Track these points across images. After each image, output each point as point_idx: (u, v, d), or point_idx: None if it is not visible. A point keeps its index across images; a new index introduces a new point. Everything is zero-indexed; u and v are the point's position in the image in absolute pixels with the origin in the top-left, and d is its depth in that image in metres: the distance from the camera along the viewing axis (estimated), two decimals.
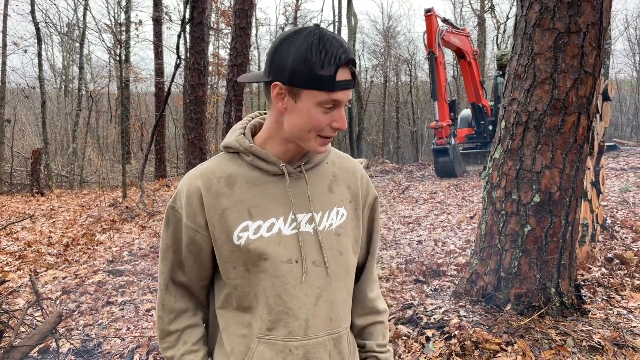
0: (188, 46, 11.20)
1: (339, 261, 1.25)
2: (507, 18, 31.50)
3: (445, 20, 13.17)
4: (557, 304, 3.55)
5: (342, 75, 1.12)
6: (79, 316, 4.71)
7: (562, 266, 3.58)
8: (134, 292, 5.26)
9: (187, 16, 10.59)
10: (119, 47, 16.60)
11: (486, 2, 29.03)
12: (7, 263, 6.62)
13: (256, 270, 1.19)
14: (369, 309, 1.40)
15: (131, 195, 13.16)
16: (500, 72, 5.24)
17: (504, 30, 31.00)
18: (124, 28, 24.88)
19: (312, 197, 1.24)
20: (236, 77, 8.56)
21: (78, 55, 26.43)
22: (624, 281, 4.17)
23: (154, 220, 8.68)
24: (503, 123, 3.72)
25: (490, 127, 15.30)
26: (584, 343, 3.23)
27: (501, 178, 3.68)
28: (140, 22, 20.24)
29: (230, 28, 26.93)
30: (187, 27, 11.20)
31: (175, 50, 11.04)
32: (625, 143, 19.29)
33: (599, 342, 3.21)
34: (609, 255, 4.91)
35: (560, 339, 3.27)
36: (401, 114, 33.80)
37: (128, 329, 4.37)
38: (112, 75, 24.08)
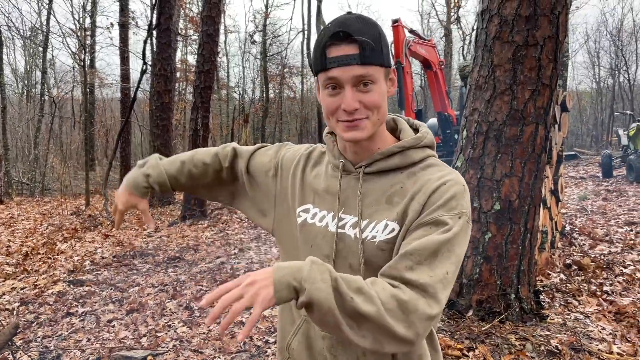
0: (155, 52, 11.08)
1: (375, 275, 1.13)
2: (473, 30, 32.20)
3: (412, 31, 13.36)
4: (517, 310, 3.63)
5: (336, 51, 1.07)
6: (38, 327, 4.58)
7: (521, 272, 3.67)
8: (95, 302, 5.14)
9: (154, 22, 10.48)
10: (83, 52, 16.28)
11: (452, 14, 29.61)
12: None
13: (304, 249, 1.25)
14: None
15: (95, 203, 12.89)
16: (464, 83, 5.40)
17: (470, 42, 31.66)
18: (89, 33, 24.44)
19: (363, 202, 1.17)
20: (203, 83, 8.52)
21: (41, 60, 25.84)
22: (581, 287, 4.29)
23: (118, 229, 8.52)
24: (465, 132, 3.80)
25: (456, 136, 15.58)
26: (542, 347, 3.31)
27: None
28: (112, 25, 19.82)
29: (198, 35, 26.75)
30: (154, 33, 11.09)
31: (141, 56, 10.91)
32: (585, 152, 19.89)
33: (556, 346, 3.30)
34: (567, 261, 5.05)
35: (519, 344, 3.34)
36: None
37: (88, 340, 4.27)
38: (76, 81, 23.62)
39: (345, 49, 1.06)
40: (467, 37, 31.35)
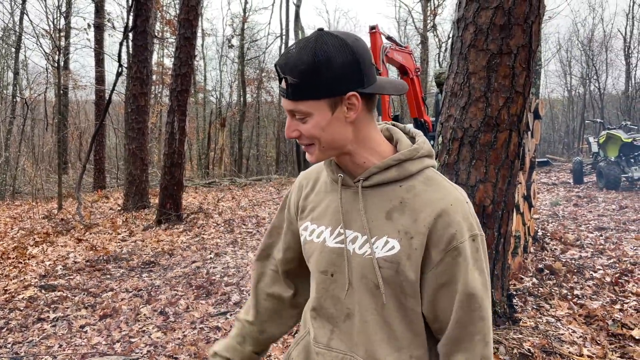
0: (131, 55, 10.97)
1: (375, 295, 1.15)
2: (449, 37, 32.63)
3: (389, 38, 13.48)
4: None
5: (282, 83, 1.12)
6: (8, 333, 4.48)
7: (495, 277, 3.73)
8: (67, 307, 5.06)
9: (131, 24, 10.38)
10: (57, 53, 16.01)
11: (429, 21, 29.98)
12: None
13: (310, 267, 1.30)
14: None
15: (67, 206, 12.66)
16: (440, 90, 5.47)
17: (445, 49, 32.08)
18: (63, 34, 24.04)
19: (360, 217, 1.17)
20: (180, 87, 8.47)
21: (13, 61, 25.28)
22: (552, 290, 4.38)
23: (91, 233, 8.39)
24: (440, 139, 3.85)
25: (432, 142, 15.74)
26: (514, 351, 3.36)
27: None
28: (89, 26, 19.53)
29: (175, 37, 26.54)
30: (130, 35, 10.98)
31: (117, 59, 10.79)
32: (557, 159, 20.30)
33: (529, 349, 3.36)
34: (540, 265, 5.15)
35: (494, 347, 3.39)
36: None
37: (60, 346, 4.19)
38: (49, 82, 23.18)
39: (283, 81, 1.10)
40: (443, 45, 31.77)
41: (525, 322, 3.75)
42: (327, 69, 1.06)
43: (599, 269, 5.05)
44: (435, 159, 3.83)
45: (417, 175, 1.17)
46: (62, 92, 21.52)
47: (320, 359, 1.21)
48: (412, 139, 1.24)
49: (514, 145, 3.67)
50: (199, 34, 30.32)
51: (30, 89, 29.32)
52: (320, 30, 1.11)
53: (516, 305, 4.00)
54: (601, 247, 5.82)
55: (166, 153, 8.68)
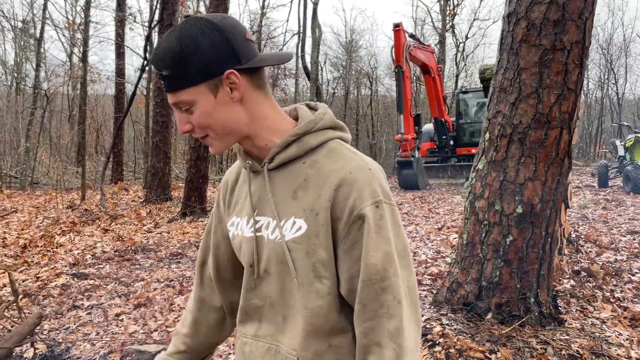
0: (143, 50, 10.98)
1: (291, 279, 1.10)
2: (467, 38, 32.50)
3: (412, 36, 13.42)
4: (536, 314, 3.63)
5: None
6: (43, 320, 4.50)
7: (541, 277, 3.67)
8: (101, 296, 5.07)
9: (157, 18, 10.40)
10: (82, 45, 16.10)
11: (447, 21, 29.80)
12: None
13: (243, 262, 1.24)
14: None
15: (89, 197, 12.73)
16: (483, 86, 5.37)
17: (463, 49, 31.95)
18: (82, 27, 24.20)
19: (270, 201, 1.11)
20: None
21: (33, 53, 25.46)
22: (594, 293, 4.31)
23: (116, 224, 8.42)
24: (487, 135, 3.80)
25: (452, 142, 15.66)
26: (563, 352, 3.31)
27: (484, 189, 3.75)
28: (120, 21, 19.66)
29: None
30: (156, 29, 11.00)
31: (142, 52, 10.82)
32: (575, 163, 20.11)
33: (577, 351, 3.30)
34: (576, 268, 5.08)
35: (541, 348, 3.34)
36: (360, 126, 34.14)
37: (97, 333, 4.20)
38: (72, 74, 23.35)
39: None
40: (461, 45, 31.62)
41: (571, 324, 3.69)
42: (196, 52, 1.02)
43: (637, 272, 4.97)
44: (482, 155, 3.80)
45: (320, 148, 1.11)
46: (85, 84, 21.65)
47: (247, 349, 1.18)
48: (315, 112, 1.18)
49: (564, 143, 3.62)
50: None
51: (49, 81, 29.60)
52: (187, 16, 1.08)
53: (560, 306, 3.95)
54: (636, 250, 5.73)
55: (192, 146, 8.69)
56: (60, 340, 4.05)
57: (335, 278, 1.06)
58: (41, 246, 7.33)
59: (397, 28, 12.33)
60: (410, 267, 1.07)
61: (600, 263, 5.20)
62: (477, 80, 36.33)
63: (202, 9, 26.16)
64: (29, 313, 3.72)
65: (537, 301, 3.65)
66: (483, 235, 3.72)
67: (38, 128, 24.16)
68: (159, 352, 3.80)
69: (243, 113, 1.08)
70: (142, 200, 10.97)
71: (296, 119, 1.16)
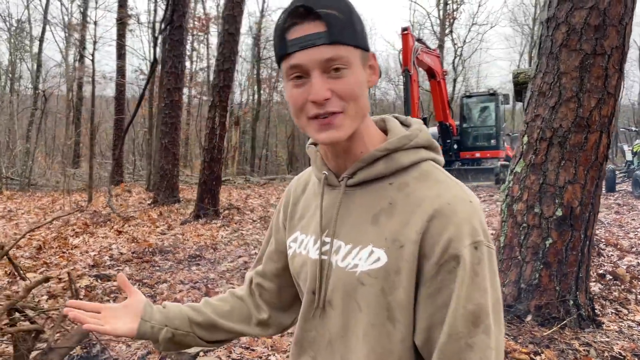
0: (166, 49, 10.97)
1: (358, 318, 0.94)
2: (464, 42, 32.71)
3: (419, 40, 13.48)
4: (575, 316, 3.65)
5: (298, 31, 0.87)
6: (73, 320, 4.47)
7: (580, 279, 3.70)
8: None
9: (167, 18, 10.39)
10: (80, 47, 16.05)
11: (446, 26, 29.97)
12: None
13: (298, 288, 1.12)
14: None
15: (94, 199, 12.67)
16: (516, 90, 5.39)
17: (461, 54, 32.15)
18: (80, 27, 24.16)
19: (345, 222, 0.97)
20: (222, 82, 8.47)
21: (27, 53, 25.40)
22: (626, 296, 4.35)
23: (129, 226, 8.39)
24: (526, 138, 3.82)
25: (455, 146, 15.72)
26: (605, 353, 3.34)
27: (523, 191, 3.77)
28: (125, 18, 19.62)
29: (202, 34, 26.62)
30: (158, 30, 10.99)
31: (151, 54, 10.79)
32: None
33: (619, 352, 3.33)
34: (600, 271, 5.11)
35: (583, 350, 3.36)
36: None
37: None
38: (67, 76, 23.23)
39: (308, 27, 0.87)
40: (459, 49, 31.82)
41: (609, 326, 3.72)
42: (358, 16, 0.90)
43: None
44: (520, 158, 3.83)
45: (411, 169, 0.95)
46: (77, 86, 21.63)
47: None
48: (408, 128, 1.03)
49: (603, 147, 3.65)
50: (214, 33, 30.48)
51: (45, 82, 29.47)
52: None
53: (596, 308, 3.97)
54: None
55: (206, 148, 8.69)
56: (95, 341, 4.03)
57: (411, 325, 0.90)
58: (56, 247, 7.28)
59: (405, 32, 12.37)
60: (502, 324, 0.90)
61: (624, 267, 5.24)
62: (473, 85, 36.56)
63: (209, 11, 26.15)
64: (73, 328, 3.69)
65: (576, 304, 3.68)
66: (522, 237, 3.74)
67: (35, 129, 24.03)
68: (198, 353, 3.80)
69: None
70: (149, 202, 10.93)
71: (384, 131, 1.02)
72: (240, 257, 6.62)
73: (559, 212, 3.63)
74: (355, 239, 0.95)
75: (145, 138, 24.01)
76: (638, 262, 5.47)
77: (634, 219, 7.89)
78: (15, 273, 2.81)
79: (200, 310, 1.19)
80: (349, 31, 0.87)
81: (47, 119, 30.32)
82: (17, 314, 2.48)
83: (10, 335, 2.36)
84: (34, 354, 2.52)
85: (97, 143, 32.70)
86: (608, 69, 3.56)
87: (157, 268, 6.19)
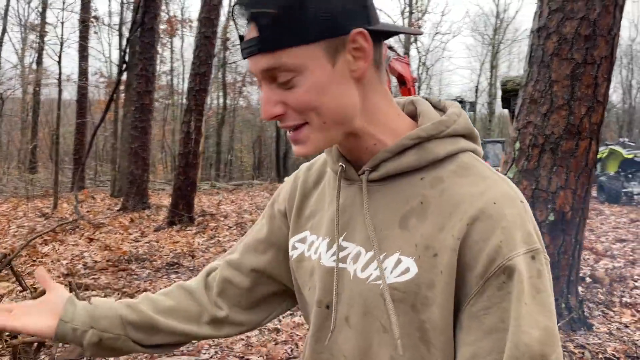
0: (137, 52, 10.74)
1: (382, 340, 0.78)
2: (428, 51, 33.35)
3: (390, 48, 13.63)
4: (567, 319, 3.73)
5: (245, 33, 0.74)
6: None
7: (571, 282, 3.78)
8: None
9: (139, 20, 10.18)
10: (60, 47, 15.58)
11: (411, 37, 30.47)
12: None
13: (308, 295, 0.92)
14: None
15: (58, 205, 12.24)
16: (505, 97, 5.48)
17: (424, 63, 32.77)
18: (38, 29, 23.45)
19: (365, 223, 0.80)
20: (198, 86, 8.33)
21: None
22: (611, 299, 4.47)
23: (100, 233, 8.13)
24: (517, 144, 3.89)
25: None
26: (600, 355, 3.41)
27: None
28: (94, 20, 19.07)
29: (170, 36, 26.22)
30: (129, 32, 10.75)
31: (118, 55, 10.55)
32: None
33: (613, 354, 3.41)
34: (580, 274, 5.25)
35: (578, 352, 3.43)
36: None
37: None
38: (40, 76, 22.49)
39: (248, 31, 0.73)
40: (423, 58, 32.45)
41: (599, 328, 3.81)
42: (315, 1, 0.71)
43: (638, 279, 5.18)
44: (512, 164, 3.89)
45: (447, 162, 0.79)
46: (35, 90, 20.93)
47: None
48: (443, 112, 0.86)
49: (592, 153, 3.75)
50: (179, 36, 30.10)
51: (1, 84, 28.42)
52: None
53: (585, 312, 4.07)
54: (631, 257, 5.98)
55: (181, 153, 8.51)
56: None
57: (450, 351, 0.74)
58: (25, 255, 6.99)
59: None
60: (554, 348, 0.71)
61: (602, 270, 5.39)
62: (436, 93, 37.30)
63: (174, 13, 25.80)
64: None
65: (567, 306, 3.76)
66: None
67: None
68: None
69: (358, 97, 0.77)
70: (118, 208, 10.65)
71: (413, 116, 0.85)
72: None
73: (552, 217, 3.71)
74: (378, 246, 0.78)
75: (106, 142, 23.39)
76: (614, 266, 5.64)
77: (602, 224, 8.16)
78: (18, 283, 2.68)
79: (136, 307, 0.97)
80: (292, 29, 0.70)
81: (2, 122, 29.29)
82: None
83: (11, 348, 2.23)
84: None
85: (53, 148, 31.75)
86: (597, 77, 3.66)
87: (135, 276, 6.02)
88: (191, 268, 6.34)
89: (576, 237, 3.76)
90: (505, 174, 3.96)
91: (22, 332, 0.93)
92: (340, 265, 0.82)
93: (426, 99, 0.88)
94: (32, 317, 0.91)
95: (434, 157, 0.78)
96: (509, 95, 4.97)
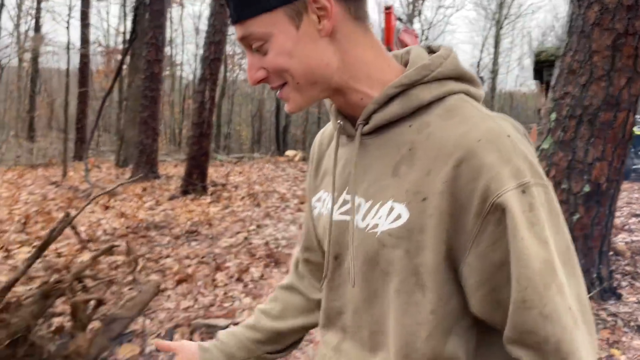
0: (147, 20, 10.58)
1: (384, 286, 0.81)
2: (431, 25, 33.03)
3: (399, 19, 13.48)
4: (598, 289, 3.78)
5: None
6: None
7: (603, 253, 3.83)
8: (134, 272, 4.91)
9: None
10: (69, 12, 15.30)
11: (414, 8, 30.14)
12: None
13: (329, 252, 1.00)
14: None
15: (58, 173, 12.20)
16: (537, 68, 5.42)
17: (426, 37, 32.45)
18: None
19: (365, 177, 0.84)
20: (213, 55, 8.25)
21: None
22: (636, 270, 4.54)
23: (115, 200, 8.14)
24: (554, 115, 3.89)
25: None
26: (631, 323, 3.48)
27: (550, 168, 3.85)
28: None
29: (180, 6, 25.85)
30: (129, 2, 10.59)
31: (123, 24, 10.40)
32: None
33: None
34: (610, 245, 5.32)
35: (611, 320, 3.50)
36: (323, 109, 34.22)
37: (149, 308, 4.07)
38: (37, 44, 22.19)
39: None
40: (426, 32, 32.13)
41: (628, 298, 3.88)
42: None
43: None
44: (547, 135, 3.90)
45: (434, 106, 0.80)
46: (68, 53, 20.67)
47: None
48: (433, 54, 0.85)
49: (630, 125, 3.76)
50: (175, 5, 29.69)
51: None
52: None
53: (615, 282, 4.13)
54: None
55: (195, 122, 8.47)
56: (116, 316, 3.91)
57: (443, 294, 0.76)
58: (41, 221, 7.00)
59: (388, 11, 12.31)
60: (577, 271, 0.74)
61: (622, 243, 5.45)
62: None
63: None
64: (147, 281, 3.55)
65: (599, 276, 3.81)
66: None
67: None
68: (228, 326, 3.75)
69: (333, 53, 0.79)
70: (129, 177, 10.64)
71: (407, 65, 0.85)
72: (238, 233, 6.54)
73: (587, 189, 3.73)
74: (374, 195, 0.81)
75: (106, 112, 23.27)
76: (632, 239, 5.70)
77: None
78: (78, 241, 2.69)
79: (256, 326, 1.10)
80: (253, 2, 0.76)
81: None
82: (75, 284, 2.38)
83: (71, 305, 2.26)
84: (93, 324, 2.43)
85: (54, 117, 31.55)
86: (638, 48, 3.65)
87: (155, 243, 6.05)
88: (210, 236, 6.37)
89: (610, 208, 3.79)
90: (540, 146, 3.97)
91: None
92: (345, 217, 0.86)
93: (428, 47, 0.88)
94: None
95: (419, 103, 0.79)
96: (542, 67, 4.96)
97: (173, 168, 13.98)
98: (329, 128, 1.02)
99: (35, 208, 7.82)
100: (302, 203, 8.24)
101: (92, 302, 2.45)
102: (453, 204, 0.73)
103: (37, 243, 5.84)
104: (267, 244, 5.84)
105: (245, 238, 6.27)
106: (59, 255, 5.37)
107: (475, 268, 0.73)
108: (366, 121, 0.83)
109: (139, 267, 3.72)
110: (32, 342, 1.97)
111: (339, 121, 0.88)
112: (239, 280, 4.71)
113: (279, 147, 27.50)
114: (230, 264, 5.15)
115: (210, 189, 9.27)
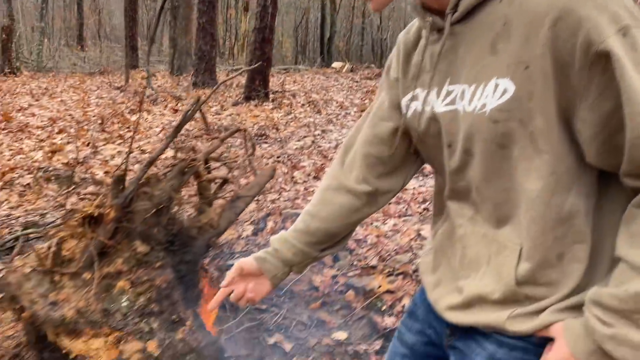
0: None
1: (501, 158, 0.84)
2: None
3: None
4: None
5: None
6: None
7: None
8: (214, 168, 5.22)
9: None
10: None
11: None
12: (44, 137, 6.32)
13: (424, 147, 1.06)
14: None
15: (120, 80, 12.55)
16: None
17: None
18: None
19: (464, 63, 0.86)
20: None
21: None
22: None
23: (182, 104, 8.44)
24: None
25: None
26: None
27: None
28: None
29: None
30: None
31: None
32: None
33: None
34: None
35: None
36: (367, 22, 33.18)
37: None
38: None
39: None
40: None
41: None
42: None
43: None
44: None
45: None
46: None
47: (461, 232, 0.96)
48: None
49: None
50: None
51: None
52: None
53: None
54: None
55: (257, 27, 8.48)
56: (238, 195, 4.24)
57: (558, 154, 0.79)
58: (117, 122, 7.37)
59: None
60: None
61: None
62: None
63: None
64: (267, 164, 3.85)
65: None
66: None
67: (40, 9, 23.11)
68: None
69: None
70: (192, 82, 10.88)
71: None
72: (305, 137, 6.76)
73: None
74: (476, 77, 0.83)
75: (163, 20, 23.13)
76: None
77: None
78: (204, 124, 2.93)
79: (308, 230, 1.15)
80: None
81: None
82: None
83: (198, 184, 2.52)
84: (218, 202, 2.69)
85: (103, 25, 31.73)
86: None
87: (229, 144, 6.33)
88: (279, 140, 6.61)
89: None
90: None
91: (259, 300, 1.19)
92: (450, 107, 0.89)
93: None
94: (258, 286, 1.19)
95: None
96: None
97: (226, 76, 14.14)
98: (412, 28, 1.03)
99: (109, 110, 8.19)
100: (361, 111, 8.34)
101: (218, 181, 2.71)
102: (556, 64, 0.74)
103: (120, 142, 6.23)
104: (336, 146, 6.05)
105: (313, 142, 6.49)
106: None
107: (588, 121, 0.75)
108: (454, 9, 0.84)
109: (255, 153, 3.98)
110: (172, 215, 2.23)
111: (428, 18, 0.90)
112: (316, 178, 4.97)
113: (324, 59, 27.15)
114: (304, 163, 5.40)
115: (271, 95, 9.44)
